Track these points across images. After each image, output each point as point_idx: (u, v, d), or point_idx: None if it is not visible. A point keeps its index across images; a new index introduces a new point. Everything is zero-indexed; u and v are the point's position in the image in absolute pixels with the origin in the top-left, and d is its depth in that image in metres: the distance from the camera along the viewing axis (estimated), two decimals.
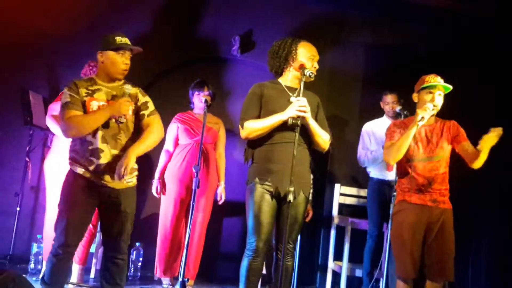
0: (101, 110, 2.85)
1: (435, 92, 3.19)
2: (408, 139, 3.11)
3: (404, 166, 3.24)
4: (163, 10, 5.04)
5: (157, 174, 4.21)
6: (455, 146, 3.25)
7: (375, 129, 4.46)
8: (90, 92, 2.90)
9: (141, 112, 3.01)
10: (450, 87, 3.20)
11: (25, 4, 4.71)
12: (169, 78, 5.07)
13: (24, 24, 4.69)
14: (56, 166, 3.79)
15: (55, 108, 3.80)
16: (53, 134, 3.91)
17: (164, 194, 4.18)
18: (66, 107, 2.86)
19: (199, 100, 4.16)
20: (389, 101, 4.44)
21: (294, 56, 3.06)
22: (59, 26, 4.74)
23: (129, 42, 2.97)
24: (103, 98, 2.92)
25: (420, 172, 3.18)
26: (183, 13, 5.10)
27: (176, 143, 4.24)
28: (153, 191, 4.21)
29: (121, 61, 2.92)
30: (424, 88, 3.21)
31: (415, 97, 3.30)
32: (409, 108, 3.71)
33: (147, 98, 3.06)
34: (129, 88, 2.95)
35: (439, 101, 3.20)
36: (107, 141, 2.86)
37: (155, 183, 4.20)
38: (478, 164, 3.15)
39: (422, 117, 3.07)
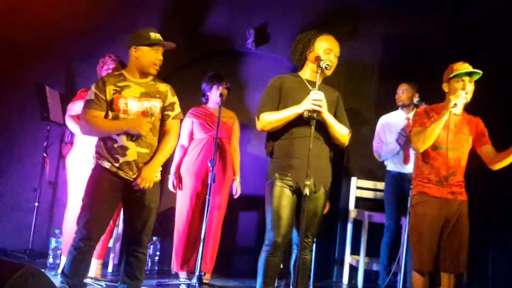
0: (121, 123, 2.88)
1: (465, 79, 3.16)
2: (440, 126, 3.07)
3: (429, 154, 3.19)
4: (177, 4, 5.03)
5: (173, 169, 4.21)
6: (478, 146, 3.24)
7: (390, 121, 4.42)
8: (118, 89, 2.92)
9: (166, 112, 3.03)
10: (480, 72, 3.16)
11: (40, 2, 4.73)
12: (184, 72, 5.06)
13: (40, 21, 4.71)
14: (79, 161, 3.83)
15: (73, 108, 3.83)
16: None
17: (180, 189, 4.19)
18: (89, 106, 2.91)
19: (217, 93, 4.13)
20: (398, 91, 4.42)
21: (311, 50, 3.02)
22: (75, 22, 4.75)
23: (161, 38, 2.99)
24: (132, 95, 2.94)
25: (445, 161, 3.15)
26: (198, 6, 5.08)
27: (191, 138, 4.24)
28: (169, 186, 4.22)
29: (155, 56, 2.96)
30: (454, 76, 3.18)
31: (445, 86, 3.26)
32: (428, 100, 3.66)
33: (175, 99, 3.08)
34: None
35: (470, 88, 3.17)
36: (134, 138, 2.88)
37: (171, 178, 4.21)
38: (498, 167, 3.18)
39: (455, 104, 3.04)
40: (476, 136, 3.24)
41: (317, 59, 2.93)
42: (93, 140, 3.46)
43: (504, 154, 3.13)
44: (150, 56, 2.95)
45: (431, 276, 3.19)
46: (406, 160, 4.29)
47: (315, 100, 2.82)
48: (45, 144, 4.56)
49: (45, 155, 4.54)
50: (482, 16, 4.76)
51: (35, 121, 4.60)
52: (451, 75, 3.19)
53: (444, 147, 3.16)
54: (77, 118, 3.77)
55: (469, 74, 3.16)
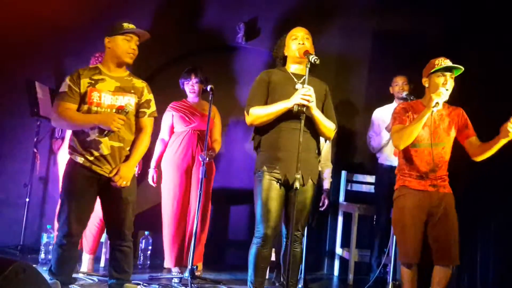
0: (92, 117, 2.87)
1: (447, 75, 3.13)
2: (420, 124, 3.06)
3: (408, 150, 3.19)
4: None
5: (153, 163, 4.23)
6: (461, 138, 3.22)
7: (385, 115, 4.42)
8: (93, 82, 2.91)
9: (142, 110, 3.04)
10: (462, 68, 3.13)
11: None
12: (174, 67, 5.04)
13: (31, 16, 4.69)
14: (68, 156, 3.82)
15: None
16: None
17: (160, 182, 4.20)
18: (61, 98, 2.90)
19: (188, 89, 4.25)
20: (399, 82, 4.40)
21: (287, 48, 3.11)
22: (65, 17, 4.73)
23: (135, 28, 3.00)
24: (106, 89, 2.93)
25: (424, 158, 3.14)
26: (188, 2, 5.08)
27: (171, 132, 4.26)
28: (149, 180, 4.23)
29: (128, 45, 2.96)
30: (435, 71, 3.15)
31: (425, 81, 3.23)
32: (417, 93, 3.68)
33: (151, 96, 3.09)
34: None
35: (451, 84, 3.14)
36: (106, 133, 2.87)
37: (151, 172, 4.22)
38: (481, 158, 3.15)
39: (437, 103, 3.02)
40: (459, 128, 3.21)
41: (306, 53, 2.94)
42: None
43: (487, 146, 3.09)
44: (123, 45, 2.95)
45: (419, 268, 3.20)
46: (395, 152, 4.31)
47: (305, 95, 2.84)
48: (35, 139, 4.55)
49: (35, 150, 4.53)
50: (475, 13, 4.77)
51: (25, 116, 4.59)
52: (432, 70, 3.15)
53: (423, 144, 3.15)
54: None
55: (450, 69, 3.13)
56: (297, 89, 2.98)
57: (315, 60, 2.87)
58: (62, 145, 4.00)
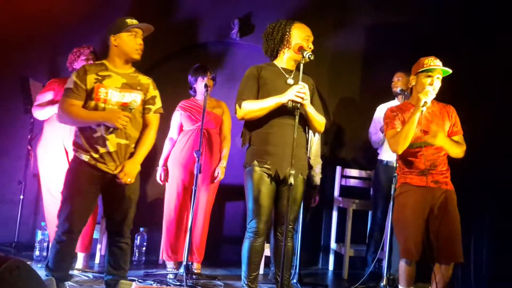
0: (97, 114, 2.85)
1: (434, 75, 3.13)
2: (413, 126, 3.06)
3: (406, 152, 3.17)
4: None
5: (161, 162, 4.23)
6: (448, 135, 3.23)
7: (383, 111, 4.43)
8: (100, 78, 2.90)
9: (148, 106, 3.03)
10: (450, 70, 3.13)
11: None
12: (169, 63, 5.05)
13: (25, 12, 4.67)
14: (47, 151, 3.80)
15: (40, 98, 3.84)
16: (44, 121, 3.90)
17: (167, 181, 4.21)
18: (67, 95, 2.88)
19: (202, 85, 4.14)
20: (394, 79, 4.41)
21: (288, 38, 3.05)
22: (59, 13, 4.71)
23: (138, 23, 2.98)
24: (113, 85, 2.91)
25: (421, 156, 3.13)
26: None
27: (180, 130, 4.27)
28: (157, 178, 4.24)
29: (134, 41, 2.94)
30: (423, 71, 3.15)
31: (412, 79, 3.22)
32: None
33: (157, 93, 3.08)
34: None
35: (438, 84, 3.15)
36: (111, 130, 2.86)
37: (159, 170, 4.22)
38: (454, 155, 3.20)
39: (425, 102, 3.03)
40: (450, 126, 3.22)
41: (301, 49, 2.94)
42: (61, 128, 3.45)
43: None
44: (130, 41, 2.93)
45: (417, 265, 3.20)
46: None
47: (299, 92, 2.84)
48: (29, 136, 4.54)
49: (29, 147, 4.52)
50: (474, 9, 4.77)
51: (19, 113, 4.57)
52: (420, 70, 3.15)
53: (417, 144, 3.13)
54: (39, 106, 3.79)
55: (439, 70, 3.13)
56: (288, 84, 2.99)
57: (310, 56, 2.88)
58: (40, 139, 3.95)
